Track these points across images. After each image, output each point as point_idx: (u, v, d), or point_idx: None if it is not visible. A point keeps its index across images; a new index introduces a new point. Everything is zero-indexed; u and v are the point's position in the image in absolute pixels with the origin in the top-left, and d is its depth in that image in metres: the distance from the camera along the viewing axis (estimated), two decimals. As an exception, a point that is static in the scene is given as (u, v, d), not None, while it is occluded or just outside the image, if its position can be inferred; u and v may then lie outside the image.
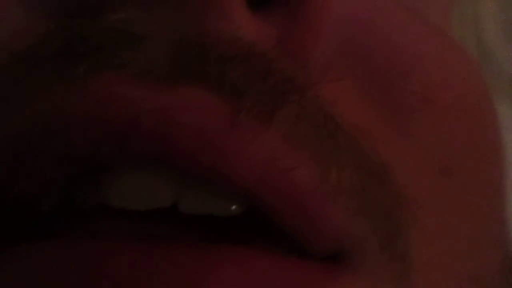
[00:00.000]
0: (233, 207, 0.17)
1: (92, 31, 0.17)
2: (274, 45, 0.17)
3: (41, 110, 0.16)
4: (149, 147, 0.16)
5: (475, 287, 0.20)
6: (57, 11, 0.18)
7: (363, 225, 0.17)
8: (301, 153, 0.16)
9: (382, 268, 0.17)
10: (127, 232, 0.17)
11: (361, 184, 0.17)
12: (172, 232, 0.17)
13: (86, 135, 0.16)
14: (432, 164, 0.19)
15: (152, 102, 0.16)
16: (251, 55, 0.17)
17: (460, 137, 0.20)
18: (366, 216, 0.17)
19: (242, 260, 0.16)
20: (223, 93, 0.16)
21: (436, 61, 0.20)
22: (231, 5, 0.17)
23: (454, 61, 0.21)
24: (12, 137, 0.17)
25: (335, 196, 0.16)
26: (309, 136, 0.16)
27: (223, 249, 0.16)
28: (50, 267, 0.16)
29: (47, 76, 0.16)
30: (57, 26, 0.17)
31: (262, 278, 0.16)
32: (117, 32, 0.16)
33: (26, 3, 0.18)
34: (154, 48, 0.16)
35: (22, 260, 0.16)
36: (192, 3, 0.17)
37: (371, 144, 0.18)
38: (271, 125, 0.16)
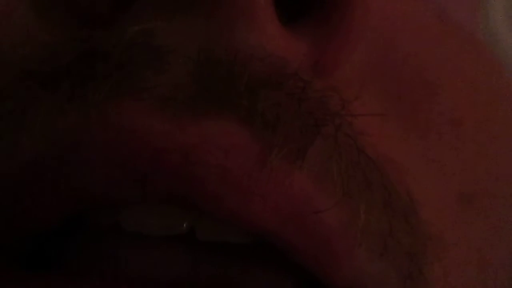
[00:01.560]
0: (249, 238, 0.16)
1: (112, 46, 0.15)
2: (305, 63, 0.16)
3: (55, 139, 0.15)
4: (170, 187, 0.15)
5: None
6: (70, 17, 0.16)
7: (385, 266, 0.16)
8: (331, 196, 0.15)
9: None
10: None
11: (388, 224, 0.16)
12: (186, 258, 0.16)
13: (104, 172, 0.15)
14: (452, 191, 0.18)
15: (175, 139, 0.14)
16: (283, 76, 0.15)
17: (483, 161, 0.19)
18: (389, 257, 0.16)
19: None
20: (254, 126, 0.15)
21: (465, 78, 0.19)
22: (263, 16, 0.15)
23: (485, 77, 0.20)
24: (20, 164, 0.15)
25: (360, 239, 0.16)
26: (341, 175, 0.16)
27: None
28: None
29: (63, 100, 0.15)
30: (71, 35, 0.16)
31: None
32: (140, 48, 0.15)
33: (36, 5, 0.16)
34: (179, 67, 0.15)
35: None
36: (221, 12, 0.15)
37: (400, 177, 0.17)
38: (303, 165, 0.15)
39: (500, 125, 0.20)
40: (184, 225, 0.16)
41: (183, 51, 0.15)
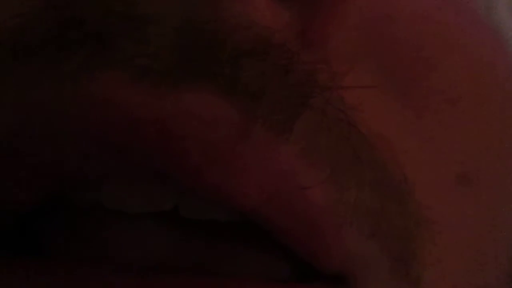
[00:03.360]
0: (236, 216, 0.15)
1: (90, 14, 0.14)
2: (292, 34, 0.15)
3: (28, 112, 0.14)
4: (148, 160, 0.14)
5: None
6: None
7: (375, 247, 0.16)
8: (318, 171, 0.15)
9: None
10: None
11: (380, 204, 0.16)
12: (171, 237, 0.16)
13: (79, 146, 0.14)
14: (450, 171, 0.18)
15: (153, 109, 0.14)
16: (270, 46, 0.15)
17: (481, 141, 0.19)
18: (380, 239, 0.16)
19: None
20: (236, 97, 0.14)
21: (465, 56, 0.18)
22: None
23: (485, 55, 0.19)
24: None
25: (351, 218, 0.15)
26: (330, 150, 0.15)
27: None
28: None
29: (35, 71, 0.14)
30: (47, 2, 0.15)
31: None
32: (119, 16, 0.14)
33: None
34: (160, 38, 0.14)
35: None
36: None
37: (393, 156, 0.16)
38: (289, 138, 0.14)
39: (500, 104, 0.19)
40: (168, 202, 0.15)
41: (165, 21, 0.14)
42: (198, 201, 0.15)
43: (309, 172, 0.15)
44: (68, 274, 0.15)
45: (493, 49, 0.20)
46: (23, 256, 0.15)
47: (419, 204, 0.16)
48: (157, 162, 0.14)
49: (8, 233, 0.16)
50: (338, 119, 0.15)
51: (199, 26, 0.14)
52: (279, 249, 0.16)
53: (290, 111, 0.14)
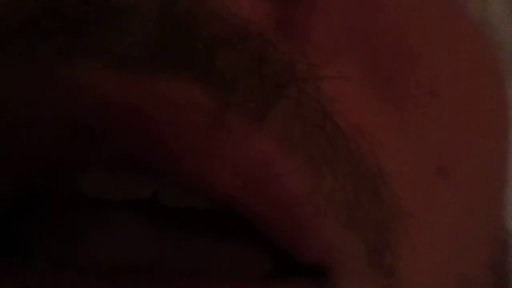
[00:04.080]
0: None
1: (66, 2, 0.14)
2: (271, 25, 0.16)
3: (4, 96, 0.14)
4: (124, 146, 0.14)
5: (463, 285, 0.19)
6: None
7: (352, 238, 0.16)
8: (293, 159, 0.15)
9: (368, 282, 0.16)
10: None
11: (355, 195, 0.16)
12: (151, 224, 0.16)
13: (54, 131, 0.14)
14: (428, 164, 0.18)
15: (128, 95, 0.14)
16: (246, 36, 0.15)
17: (462, 134, 0.19)
18: (356, 229, 0.16)
19: None
20: (210, 84, 0.14)
21: (447, 48, 0.19)
22: None
23: (468, 48, 0.19)
24: None
25: (325, 207, 0.15)
26: (305, 139, 0.15)
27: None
28: None
29: (10, 54, 0.14)
30: None
31: None
32: (96, 5, 0.14)
33: None
34: (137, 27, 0.14)
35: None
36: None
37: (370, 147, 0.16)
38: (263, 126, 0.14)
39: (482, 98, 0.19)
40: (147, 189, 0.15)
41: (142, 10, 0.14)
42: (178, 188, 0.15)
43: (284, 159, 0.15)
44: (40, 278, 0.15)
45: (474, 43, 0.20)
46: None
47: (395, 196, 0.17)
48: (133, 147, 0.14)
49: None
50: (314, 109, 0.15)
51: (177, 16, 0.14)
52: (260, 242, 0.16)
53: (265, 100, 0.15)
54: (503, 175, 0.21)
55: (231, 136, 0.14)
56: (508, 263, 0.21)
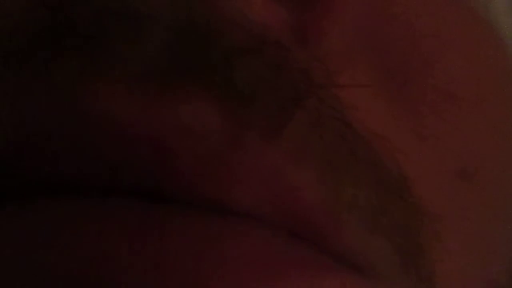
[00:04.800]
0: None
1: (82, 14, 0.14)
2: (287, 32, 0.15)
3: (23, 123, 0.14)
4: (141, 176, 0.14)
5: None
6: None
7: (382, 242, 0.16)
8: (311, 173, 0.14)
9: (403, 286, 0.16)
10: None
11: (379, 201, 0.15)
12: None
13: (73, 162, 0.14)
14: (451, 168, 0.18)
15: (150, 126, 0.14)
16: (264, 44, 0.14)
17: (481, 136, 0.19)
18: (384, 234, 0.16)
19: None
20: (228, 102, 0.14)
21: (462, 51, 0.18)
22: None
23: (485, 50, 0.19)
24: None
25: (348, 215, 0.15)
26: (324, 150, 0.15)
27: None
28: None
29: (28, 80, 0.14)
30: (34, 4, 0.14)
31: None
32: (114, 16, 0.14)
33: None
34: (155, 37, 0.14)
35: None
36: None
37: (391, 154, 0.16)
38: (280, 143, 0.14)
39: (499, 99, 0.19)
40: None
41: (159, 19, 0.14)
42: None
43: (300, 174, 0.14)
44: None
45: (489, 45, 0.20)
46: None
47: (420, 199, 0.16)
48: (150, 178, 0.14)
49: None
50: (333, 118, 0.15)
51: (194, 25, 0.14)
52: None
53: (282, 114, 0.14)
54: None
55: (248, 158, 0.14)
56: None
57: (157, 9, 0.14)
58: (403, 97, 0.17)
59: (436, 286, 0.17)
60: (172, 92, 0.14)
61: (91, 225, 0.13)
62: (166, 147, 0.14)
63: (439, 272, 0.17)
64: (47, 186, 0.14)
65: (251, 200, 0.14)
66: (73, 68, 0.14)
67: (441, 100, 0.18)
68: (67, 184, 0.14)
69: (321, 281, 0.14)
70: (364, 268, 0.16)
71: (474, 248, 0.18)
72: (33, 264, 0.13)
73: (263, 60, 0.14)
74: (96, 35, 0.14)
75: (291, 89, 0.14)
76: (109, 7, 0.14)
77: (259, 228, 0.14)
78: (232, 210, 0.14)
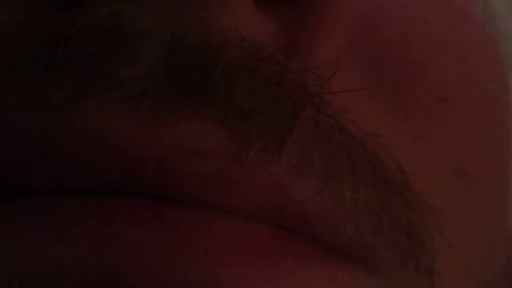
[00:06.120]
0: None
1: (77, 30, 0.14)
2: (280, 46, 0.16)
3: (16, 141, 0.14)
4: (143, 193, 0.14)
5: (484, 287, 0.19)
6: None
7: (382, 244, 0.16)
8: (312, 183, 0.15)
9: (403, 282, 0.16)
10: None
11: (380, 201, 0.16)
12: None
13: (71, 179, 0.14)
14: (449, 167, 0.18)
15: (151, 147, 0.14)
16: (260, 60, 0.15)
17: (476, 137, 0.19)
18: (385, 235, 0.16)
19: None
20: (229, 123, 0.14)
21: (457, 55, 0.19)
22: None
23: (477, 53, 0.20)
24: None
25: (347, 221, 0.15)
26: (324, 159, 0.15)
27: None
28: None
29: (20, 94, 0.14)
30: (26, 15, 0.14)
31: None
32: (109, 32, 0.14)
33: None
34: (150, 55, 0.14)
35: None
36: None
37: (388, 152, 0.16)
38: (280, 158, 0.14)
39: (492, 101, 0.20)
40: None
41: (154, 37, 0.14)
42: None
43: (302, 186, 0.15)
44: None
45: (482, 46, 0.20)
46: None
47: (420, 195, 0.17)
48: (152, 194, 0.14)
49: None
50: (329, 125, 0.15)
51: (189, 43, 0.14)
52: None
53: (282, 129, 0.14)
54: (510, 176, 0.21)
55: (250, 175, 0.14)
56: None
57: (151, 28, 0.14)
58: (396, 100, 0.17)
59: (435, 279, 0.17)
60: (171, 111, 0.14)
61: (104, 217, 0.14)
62: (169, 169, 0.14)
63: (438, 266, 0.17)
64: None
65: (254, 211, 0.15)
66: (68, 87, 0.13)
67: (435, 103, 0.18)
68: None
69: (311, 269, 0.15)
70: (360, 262, 0.16)
71: (470, 245, 0.18)
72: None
73: (260, 76, 0.14)
74: (91, 51, 0.14)
75: (289, 101, 0.15)
76: (103, 24, 0.14)
77: (258, 222, 0.15)
78: (232, 211, 0.14)
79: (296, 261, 0.15)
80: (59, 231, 0.14)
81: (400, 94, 0.18)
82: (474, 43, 0.20)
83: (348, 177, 0.15)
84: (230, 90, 0.14)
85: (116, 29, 0.14)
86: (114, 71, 0.14)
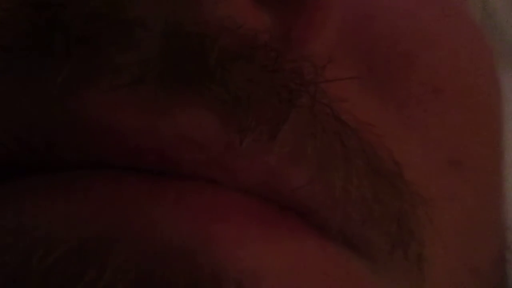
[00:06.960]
0: None
1: (73, 16, 0.13)
2: (275, 35, 0.16)
3: (15, 125, 0.14)
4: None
5: (475, 278, 0.19)
6: None
7: (372, 232, 0.16)
8: (304, 172, 0.15)
9: (392, 271, 0.17)
10: None
11: (372, 190, 0.16)
12: None
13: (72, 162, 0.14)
14: (441, 157, 0.18)
15: (150, 137, 0.14)
16: (255, 47, 0.15)
17: (468, 127, 0.19)
18: (376, 223, 0.16)
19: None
20: (225, 110, 0.14)
21: (447, 47, 0.19)
22: None
23: (467, 45, 0.20)
24: None
25: (339, 209, 0.15)
26: (318, 147, 0.15)
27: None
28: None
29: (17, 80, 0.14)
30: (23, 1, 0.14)
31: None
32: (105, 20, 0.14)
33: None
34: (147, 43, 0.14)
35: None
36: None
37: (381, 141, 0.16)
38: (274, 146, 0.15)
39: (483, 92, 0.20)
40: None
41: (150, 23, 0.14)
42: None
43: (295, 174, 0.15)
44: None
45: (472, 38, 0.20)
46: None
47: (412, 184, 0.17)
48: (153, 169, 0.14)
49: None
50: (324, 114, 0.15)
51: (185, 30, 0.14)
52: None
53: (277, 117, 0.15)
54: (502, 168, 0.21)
55: (245, 163, 0.14)
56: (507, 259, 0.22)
57: (147, 15, 0.14)
58: (389, 92, 0.18)
59: (425, 266, 0.17)
60: (168, 99, 0.14)
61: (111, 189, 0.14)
62: (167, 157, 0.14)
63: (428, 254, 0.17)
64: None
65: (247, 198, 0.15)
66: (65, 73, 0.13)
67: (427, 94, 0.18)
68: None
69: (304, 240, 0.15)
70: (351, 246, 0.16)
71: (462, 234, 0.19)
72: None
73: (256, 63, 0.15)
74: (87, 38, 0.14)
75: (284, 89, 0.15)
76: (99, 11, 0.14)
77: (253, 197, 0.15)
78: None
79: (290, 231, 0.15)
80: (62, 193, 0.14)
81: (392, 85, 0.18)
82: (464, 35, 0.20)
83: (341, 166, 0.15)
84: (225, 77, 0.14)
85: (112, 16, 0.14)
86: (110, 58, 0.14)
